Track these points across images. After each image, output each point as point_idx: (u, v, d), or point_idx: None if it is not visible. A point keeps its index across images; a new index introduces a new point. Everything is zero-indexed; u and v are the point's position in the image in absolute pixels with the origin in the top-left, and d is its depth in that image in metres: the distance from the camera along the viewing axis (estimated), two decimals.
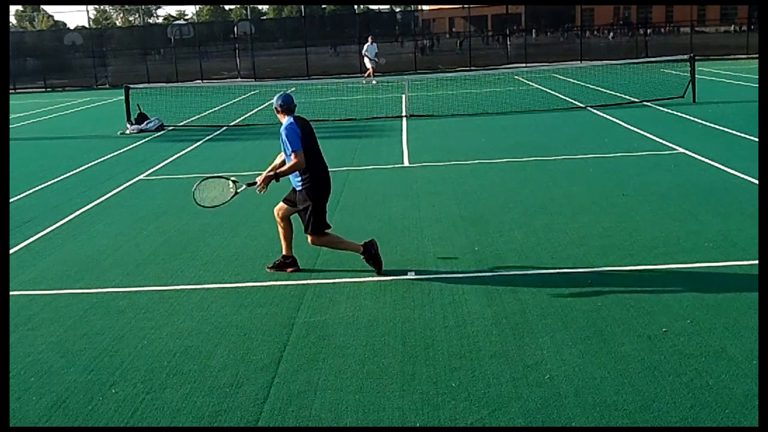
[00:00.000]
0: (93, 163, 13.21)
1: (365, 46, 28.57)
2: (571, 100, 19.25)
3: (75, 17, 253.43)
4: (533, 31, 49.12)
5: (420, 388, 4.35)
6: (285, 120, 6.21)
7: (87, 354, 5.07)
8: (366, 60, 28.48)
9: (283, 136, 6.12)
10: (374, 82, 27.10)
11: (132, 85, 18.90)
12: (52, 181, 11.57)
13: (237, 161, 12.33)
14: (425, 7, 61.66)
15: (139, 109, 17.92)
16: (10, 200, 10.09)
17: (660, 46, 37.68)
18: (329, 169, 6.45)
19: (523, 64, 35.76)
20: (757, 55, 31.49)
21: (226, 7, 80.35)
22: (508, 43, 42.19)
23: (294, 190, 6.32)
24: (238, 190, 6.45)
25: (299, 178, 6.21)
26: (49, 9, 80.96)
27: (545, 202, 8.65)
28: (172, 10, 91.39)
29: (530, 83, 25.56)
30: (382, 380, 4.48)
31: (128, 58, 42.59)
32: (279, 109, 6.26)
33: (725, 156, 10.68)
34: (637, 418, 3.92)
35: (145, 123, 17.54)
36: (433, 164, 11.45)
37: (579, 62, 33.75)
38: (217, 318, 5.60)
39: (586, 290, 5.78)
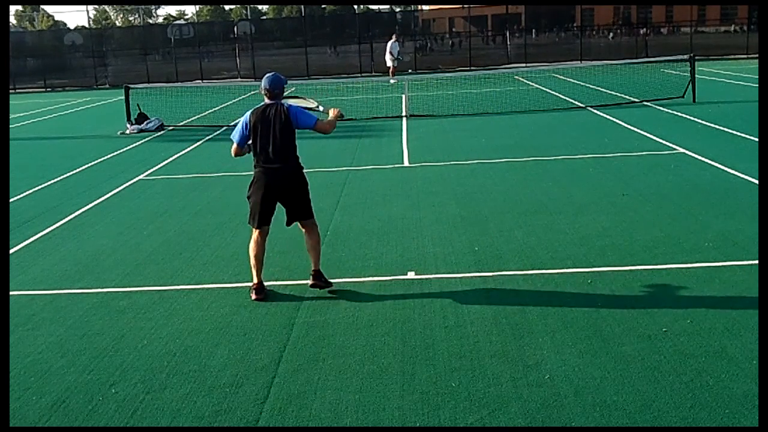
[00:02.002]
0: (93, 163, 13.21)
1: (389, 44, 28.15)
2: (571, 100, 19.25)
3: (75, 17, 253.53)
4: (533, 31, 49.13)
5: (420, 388, 4.35)
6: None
7: (87, 354, 5.07)
8: (387, 58, 28.07)
9: None
10: (392, 81, 26.73)
11: (132, 85, 18.88)
12: (52, 181, 11.57)
13: (237, 161, 12.27)
14: (425, 7, 61.73)
15: (139, 109, 17.92)
16: (10, 200, 10.09)
17: (660, 46, 37.70)
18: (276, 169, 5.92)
19: (523, 64, 35.76)
20: (757, 55, 31.49)
21: (226, 7, 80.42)
22: (508, 43, 42.20)
23: None
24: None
25: None
26: (49, 9, 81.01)
27: (545, 202, 8.65)
28: (172, 10, 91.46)
29: (530, 83, 25.56)
30: (382, 380, 4.48)
31: (128, 58, 42.63)
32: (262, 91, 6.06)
33: (725, 156, 10.68)
34: (637, 418, 3.92)
35: (145, 123, 17.54)
36: (433, 164, 11.45)
37: (579, 62, 33.74)
38: (217, 318, 5.60)
39: (586, 290, 5.78)
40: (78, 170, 12.50)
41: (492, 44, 47.48)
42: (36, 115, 24.03)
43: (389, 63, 27.90)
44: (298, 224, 6.13)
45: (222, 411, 4.22)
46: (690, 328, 4.99)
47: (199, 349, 5.07)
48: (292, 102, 6.23)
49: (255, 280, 6.01)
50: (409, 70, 27.82)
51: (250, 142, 5.98)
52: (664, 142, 12.26)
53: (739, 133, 12.68)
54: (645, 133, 13.21)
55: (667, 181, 9.42)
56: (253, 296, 5.95)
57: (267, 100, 5.98)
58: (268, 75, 6.05)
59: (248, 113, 5.99)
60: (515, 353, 4.74)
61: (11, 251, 7.65)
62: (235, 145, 6.05)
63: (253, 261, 6.02)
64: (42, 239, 8.14)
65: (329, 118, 6.18)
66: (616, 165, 10.62)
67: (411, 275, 6.31)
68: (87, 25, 50.50)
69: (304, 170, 6.11)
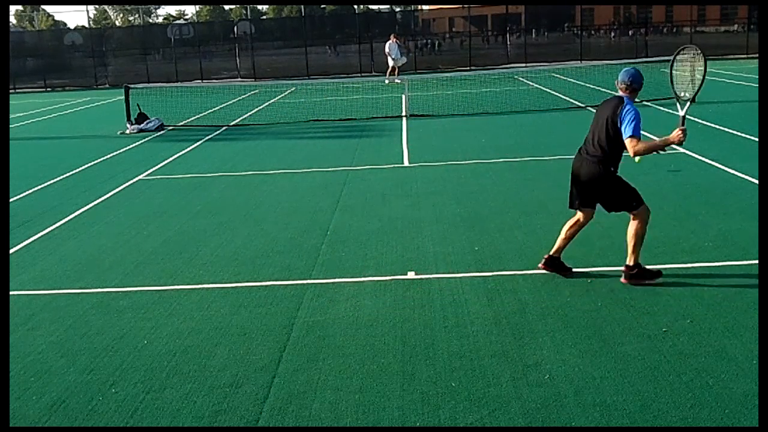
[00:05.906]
0: (93, 163, 13.21)
1: (387, 44, 27.98)
2: (571, 100, 19.25)
3: (75, 17, 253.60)
4: (533, 31, 49.13)
5: (420, 388, 4.35)
6: None
7: (87, 354, 5.08)
8: (389, 59, 27.93)
9: None
10: (397, 81, 26.40)
11: (132, 85, 18.89)
12: (52, 181, 11.57)
13: (237, 161, 12.34)
14: (425, 7, 61.77)
15: (139, 109, 17.92)
16: (10, 200, 10.09)
17: (660, 46, 37.66)
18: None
19: (523, 64, 35.74)
20: (757, 55, 31.49)
21: (226, 7, 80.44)
22: (508, 43, 42.20)
23: None
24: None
25: None
26: (49, 9, 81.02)
27: (545, 202, 8.65)
28: (172, 10, 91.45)
29: (530, 83, 25.55)
30: (382, 380, 4.48)
31: (128, 58, 42.62)
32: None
33: (725, 156, 10.68)
34: (637, 418, 3.92)
35: (145, 123, 17.54)
36: (433, 164, 11.45)
37: (579, 62, 33.72)
38: (217, 318, 5.60)
39: (586, 290, 5.78)
40: (78, 170, 12.50)
41: (489, 44, 47.49)
42: (36, 115, 24.02)
43: (390, 63, 27.75)
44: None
45: (222, 411, 4.22)
46: (690, 328, 4.99)
47: (199, 349, 5.07)
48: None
49: (552, 251, 6.09)
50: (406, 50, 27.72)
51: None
52: None
53: (739, 133, 12.68)
54: (645, 133, 13.15)
55: (667, 181, 9.41)
56: (540, 264, 6.09)
57: (620, 93, 5.98)
58: (627, 69, 5.95)
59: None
60: (515, 353, 4.74)
61: (11, 251, 7.65)
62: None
63: (562, 233, 6.09)
64: (42, 239, 8.14)
65: (650, 144, 5.99)
66: None
67: (411, 275, 6.31)
68: (87, 25, 50.56)
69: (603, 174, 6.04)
